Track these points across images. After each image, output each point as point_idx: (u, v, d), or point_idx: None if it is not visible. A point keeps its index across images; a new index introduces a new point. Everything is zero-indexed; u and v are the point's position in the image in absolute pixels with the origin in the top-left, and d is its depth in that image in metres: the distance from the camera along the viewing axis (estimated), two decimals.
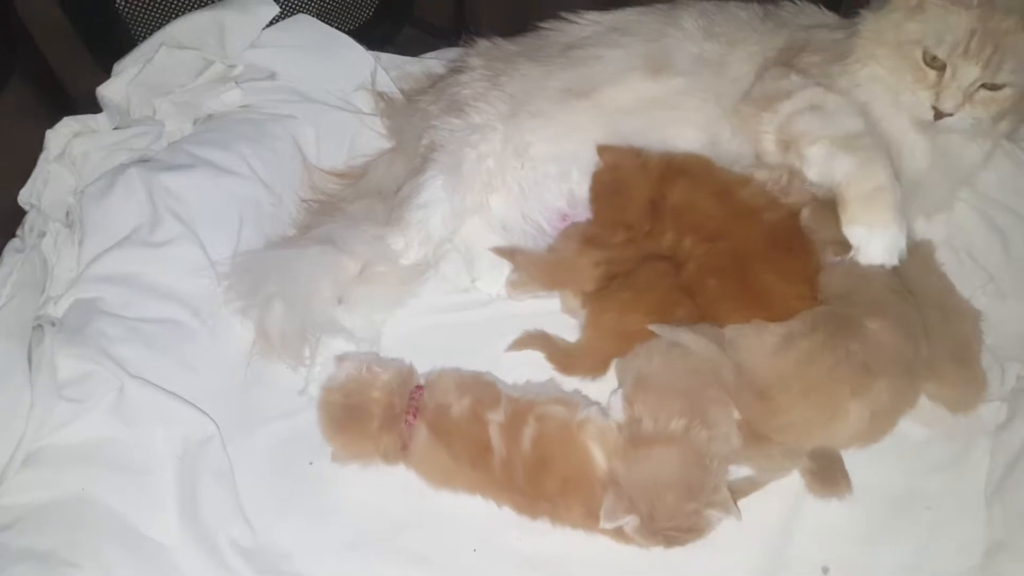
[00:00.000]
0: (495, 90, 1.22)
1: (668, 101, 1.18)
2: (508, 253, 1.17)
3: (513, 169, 1.20)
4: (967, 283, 1.15)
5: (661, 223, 1.13)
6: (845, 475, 0.98)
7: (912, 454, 1.02)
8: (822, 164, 1.06)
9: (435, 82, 1.35)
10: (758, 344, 0.97)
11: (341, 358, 1.03)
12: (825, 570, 0.95)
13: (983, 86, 1.02)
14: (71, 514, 0.94)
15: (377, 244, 1.14)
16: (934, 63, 1.03)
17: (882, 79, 1.09)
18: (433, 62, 1.45)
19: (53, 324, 1.07)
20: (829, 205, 1.07)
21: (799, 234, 1.08)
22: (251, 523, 0.98)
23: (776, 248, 1.07)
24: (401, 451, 0.99)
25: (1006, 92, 1.03)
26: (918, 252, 1.10)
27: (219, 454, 1.02)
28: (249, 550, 0.96)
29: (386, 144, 1.36)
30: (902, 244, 1.02)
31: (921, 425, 1.04)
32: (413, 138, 1.26)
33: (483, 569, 0.96)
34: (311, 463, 1.04)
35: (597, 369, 1.08)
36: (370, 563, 0.96)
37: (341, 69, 1.40)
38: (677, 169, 1.14)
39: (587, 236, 1.15)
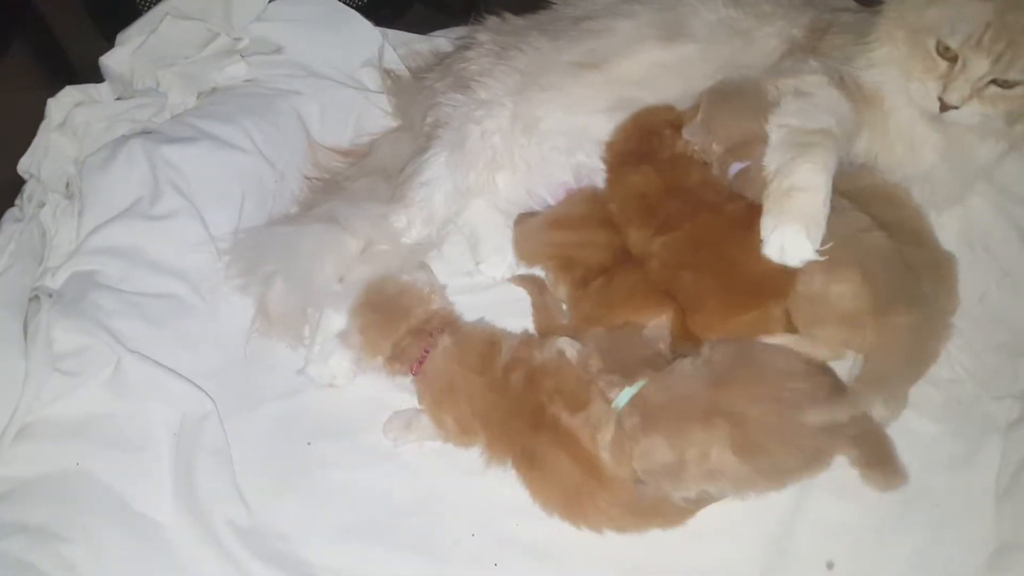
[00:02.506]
0: (503, 64, 1.19)
1: (679, 69, 1.15)
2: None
3: (521, 147, 1.17)
4: (982, 278, 1.13)
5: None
6: (897, 464, 0.96)
7: (921, 450, 1.00)
8: (772, 149, 1.02)
9: (442, 59, 1.33)
10: None
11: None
12: (830, 565, 0.94)
13: (994, 82, 0.99)
14: (64, 488, 0.93)
15: (380, 222, 1.12)
16: (947, 54, 1.00)
17: (897, 62, 1.06)
18: (441, 40, 1.43)
19: (50, 295, 1.06)
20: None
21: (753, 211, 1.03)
22: (247, 503, 0.97)
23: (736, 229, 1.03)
24: (413, 366, 1.01)
25: (1018, 91, 0.99)
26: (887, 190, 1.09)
27: (216, 432, 1.00)
28: (245, 530, 0.95)
29: (392, 123, 1.34)
30: (805, 251, 0.95)
31: (931, 421, 1.03)
32: (419, 116, 1.23)
33: (482, 554, 0.95)
34: (309, 443, 1.03)
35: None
36: (367, 546, 0.95)
37: (348, 45, 1.38)
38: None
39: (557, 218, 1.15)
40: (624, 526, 0.94)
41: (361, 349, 1.03)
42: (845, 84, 1.08)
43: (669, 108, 1.14)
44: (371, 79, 1.37)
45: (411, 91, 1.32)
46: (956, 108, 1.01)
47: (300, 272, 1.09)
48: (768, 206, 0.98)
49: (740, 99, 1.08)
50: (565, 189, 1.20)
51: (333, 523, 0.97)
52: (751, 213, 1.00)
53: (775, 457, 0.90)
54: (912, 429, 1.01)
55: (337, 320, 1.08)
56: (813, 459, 0.92)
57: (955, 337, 1.07)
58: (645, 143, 1.11)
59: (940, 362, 1.05)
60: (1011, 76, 0.98)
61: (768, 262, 0.97)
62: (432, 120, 1.20)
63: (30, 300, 1.05)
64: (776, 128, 1.03)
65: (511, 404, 0.97)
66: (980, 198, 1.22)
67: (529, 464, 0.95)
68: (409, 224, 1.13)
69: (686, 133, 1.09)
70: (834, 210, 0.98)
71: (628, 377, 0.96)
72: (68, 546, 0.90)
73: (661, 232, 1.06)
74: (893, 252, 0.99)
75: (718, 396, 0.91)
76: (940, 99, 1.01)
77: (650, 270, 1.06)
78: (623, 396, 0.95)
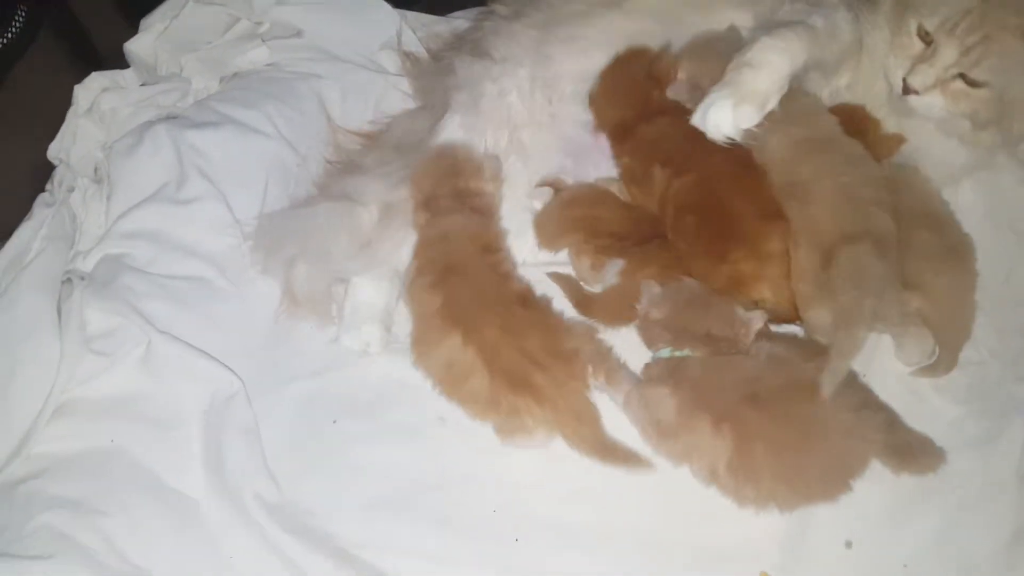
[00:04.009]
0: (517, 24, 1.18)
1: (703, 1, 1.13)
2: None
3: (541, 102, 1.16)
4: (1008, 258, 1.12)
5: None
6: (928, 449, 0.95)
7: (943, 431, 0.99)
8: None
9: (461, 36, 1.33)
10: None
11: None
12: (848, 544, 0.94)
13: (962, 77, 0.96)
14: (100, 464, 0.96)
15: (394, 186, 1.12)
16: (924, 36, 0.98)
17: (885, 31, 1.03)
18: (460, 21, 1.43)
19: (82, 278, 1.09)
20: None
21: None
22: (276, 479, 0.99)
23: (738, 168, 1.02)
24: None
25: (983, 93, 0.96)
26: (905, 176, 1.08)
27: (245, 410, 1.02)
28: (273, 505, 0.97)
29: (412, 105, 1.33)
30: (725, 124, 0.93)
31: (954, 403, 1.02)
32: (439, 96, 1.22)
33: (502, 531, 0.96)
34: (335, 421, 1.04)
35: (615, 316, 1.06)
36: (391, 521, 0.97)
37: (367, 27, 1.38)
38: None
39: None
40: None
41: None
42: (859, 18, 1.05)
43: (643, 53, 1.12)
44: (390, 61, 1.37)
45: (431, 72, 1.32)
46: (917, 94, 0.98)
47: (318, 251, 1.09)
48: (722, 78, 0.97)
49: (724, 45, 1.05)
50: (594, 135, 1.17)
51: (358, 498, 0.99)
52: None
53: (764, 489, 0.90)
54: (935, 410, 1.01)
55: (365, 287, 1.09)
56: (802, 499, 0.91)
57: (979, 318, 1.06)
58: (636, 99, 1.10)
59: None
60: (976, 74, 0.95)
61: (767, 201, 0.97)
62: (447, 85, 1.19)
63: (63, 283, 1.08)
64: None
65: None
66: (1008, 176, 1.19)
67: None
68: None
69: (671, 93, 1.07)
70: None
71: (679, 341, 0.96)
72: (105, 519, 0.92)
73: (678, 175, 1.04)
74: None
75: (743, 411, 0.90)
76: (904, 79, 0.98)
77: (666, 218, 1.05)
78: (662, 353, 0.96)
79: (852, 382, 0.96)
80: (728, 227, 1.01)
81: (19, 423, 0.96)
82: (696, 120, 0.96)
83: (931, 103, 0.99)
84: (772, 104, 0.95)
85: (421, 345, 1.01)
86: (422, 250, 1.06)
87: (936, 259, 1.02)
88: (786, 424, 0.89)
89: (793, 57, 0.96)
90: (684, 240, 1.05)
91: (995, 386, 1.04)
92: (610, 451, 0.95)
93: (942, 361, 1.02)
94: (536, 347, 0.96)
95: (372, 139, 1.29)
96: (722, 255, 1.01)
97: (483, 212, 1.08)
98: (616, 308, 1.06)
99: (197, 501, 0.96)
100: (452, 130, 1.13)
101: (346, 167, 1.24)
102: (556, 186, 1.17)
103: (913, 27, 0.98)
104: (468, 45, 1.23)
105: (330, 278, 1.10)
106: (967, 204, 1.15)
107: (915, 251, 1.02)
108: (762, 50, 0.96)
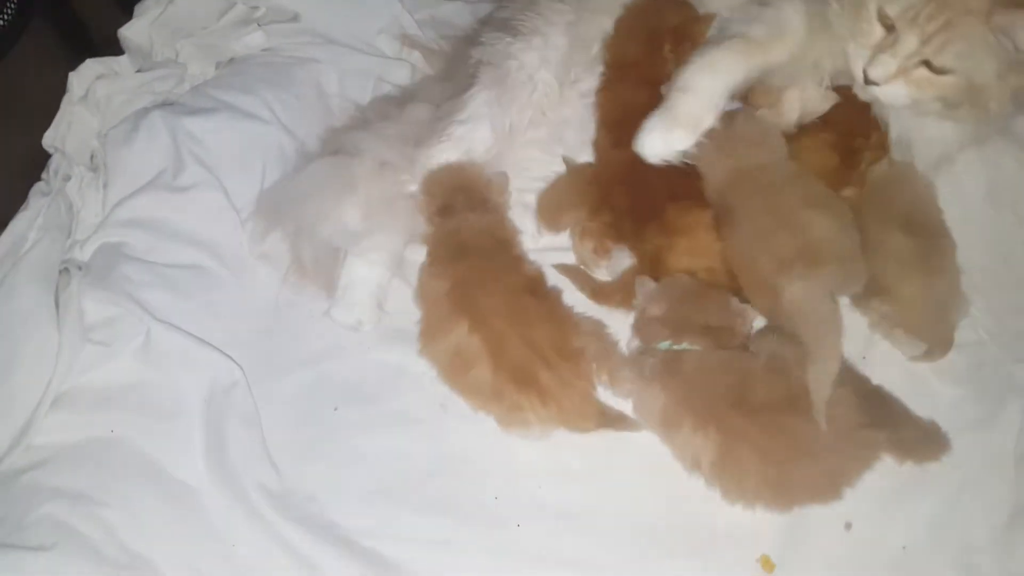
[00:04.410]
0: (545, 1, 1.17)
1: None
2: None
3: (572, 81, 1.17)
4: (1007, 239, 1.12)
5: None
6: (936, 438, 0.96)
7: (942, 412, 1.00)
8: None
9: (489, 13, 1.31)
10: None
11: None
12: (848, 526, 0.95)
13: (925, 64, 0.93)
14: (100, 455, 0.96)
15: (393, 141, 1.12)
16: (885, 21, 0.94)
17: (842, 14, 1.00)
18: (458, 4, 1.41)
19: (79, 268, 1.08)
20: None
21: None
22: (277, 467, 1.00)
23: None
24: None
25: (949, 80, 0.93)
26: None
27: (245, 399, 1.03)
28: (275, 493, 0.98)
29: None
30: (657, 148, 0.99)
31: (953, 384, 1.03)
32: (463, 69, 1.20)
33: (504, 517, 0.97)
34: (336, 409, 1.04)
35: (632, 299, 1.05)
36: (393, 508, 0.97)
37: (364, 11, 1.37)
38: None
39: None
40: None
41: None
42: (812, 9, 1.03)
43: (685, 6, 1.13)
44: (388, 45, 1.36)
45: (452, 53, 1.30)
46: (877, 85, 0.96)
47: (316, 210, 1.09)
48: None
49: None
50: None
51: (359, 486, 0.99)
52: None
53: (746, 486, 0.91)
54: (934, 392, 1.02)
55: (361, 265, 1.09)
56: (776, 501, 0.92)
57: (978, 300, 1.06)
58: (647, 44, 1.12)
59: (963, 325, 1.05)
60: (940, 61, 0.92)
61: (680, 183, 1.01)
62: (475, 59, 1.18)
63: (60, 273, 1.07)
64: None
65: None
66: (1009, 159, 1.19)
67: None
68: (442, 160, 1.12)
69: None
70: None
71: (677, 335, 0.97)
72: (106, 510, 0.92)
73: (615, 146, 1.07)
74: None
75: (730, 415, 0.90)
76: (864, 70, 0.96)
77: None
78: (661, 345, 0.97)
79: (856, 380, 0.97)
80: (647, 208, 1.04)
81: (19, 414, 0.96)
82: (635, 145, 1.01)
83: (895, 92, 0.96)
84: (707, 123, 1.00)
85: (428, 333, 1.01)
86: (434, 241, 1.07)
87: (907, 264, 1.01)
88: (775, 434, 0.89)
89: (726, 76, 1.00)
90: (615, 214, 1.06)
91: (994, 368, 1.05)
92: (606, 419, 0.97)
93: (932, 351, 1.02)
94: (544, 341, 0.96)
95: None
96: (641, 236, 1.04)
97: (496, 212, 1.09)
98: (626, 295, 1.05)
99: (198, 490, 0.96)
100: (478, 106, 1.13)
101: (348, 126, 1.23)
102: (566, 163, 1.17)
103: (873, 11, 0.95)
104: (495, 22, 1.22)
105: (330, 236, 1.09)
106: (967, 186, 1.15)
107: (887, 254, 1.01)
108: (693, 74, 1.00)
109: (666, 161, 1.00)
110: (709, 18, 1.12)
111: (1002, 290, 1.09)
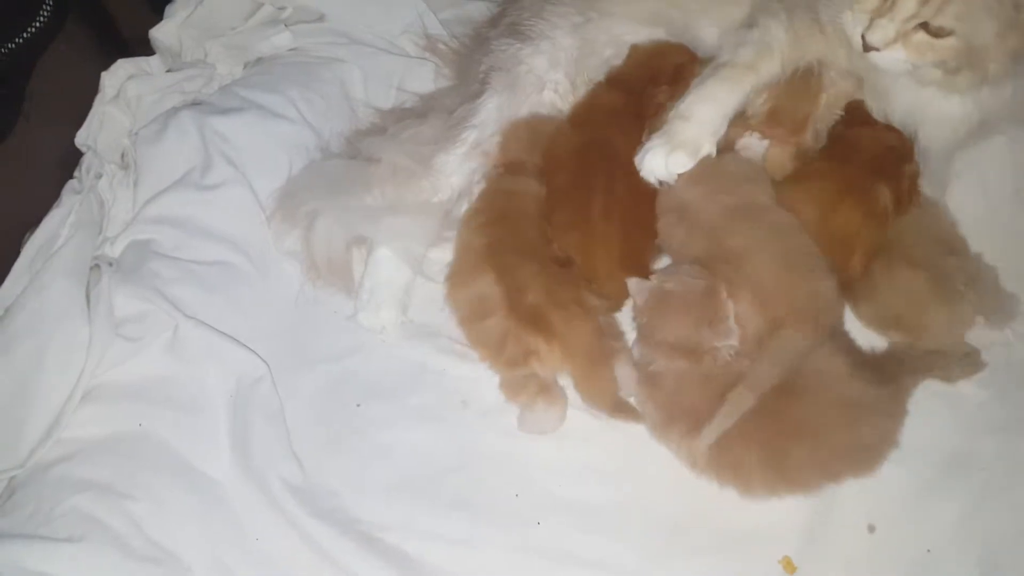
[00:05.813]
0: (553, 5, 1.18)
1: None
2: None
3: (577, 85, 1.18)
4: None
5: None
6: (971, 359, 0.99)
7: (968, 415, 0.99)
8: None
9: (497, 16, 1.32)
10: None
11: None
12: (871, 529, 0.94)
13: (923, 27, 0.91)
14: (128, 448, 0.98)
15: (411, 148, 1.14)
16: None
17: None
18: (481, 3, 1.41)
19: (110, 264, 1.10)
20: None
21: None
22: (300, 462, 1.00)
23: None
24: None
25: (949, 42, 0.91)
26: None
27: (270, 394, 1.04)
28: (298, 488, 0.99)
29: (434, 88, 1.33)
30: (658, 169, 1.03)
31: (979, 386, 1.01)
32: (475, 75, 1.21)
33: (524, 514, 0.97)
34: (359, 405, 1.05)
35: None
36: (414, 504, 0.98)
37: (389, 10, 1.38)
38: None
39: None
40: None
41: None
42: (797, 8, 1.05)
43: (684, 51, 1.15)
44: (412, 45, 1.37)
45: (465, 54, 1.31)
46: (878, 50, 0.95)
47: (334, 199, 1.10)
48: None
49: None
50: None
51: (382, 481, 1.00)
52: None
53: (746, 473, 0.91)
54: (959, 393, 1.01)
55: (385, 265, 1.10)
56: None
57: None
58: (647, 74, 1.14)
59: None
60: (940, 22, 0.90)
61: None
62: (486, 66, 1.19)
63: (91, 269, 1.09)
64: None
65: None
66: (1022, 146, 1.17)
67: None
68: (458, 166, 1.14)
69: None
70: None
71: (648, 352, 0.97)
72: (133, 503, 0.94)
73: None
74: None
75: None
76: (863, 37, 0.95)
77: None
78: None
79: (853, 352, 0.98)
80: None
81: (49, 407, 0.98)
82: (636, 161, 1.04)
83: (894, 58, 0.95)
84: (706, 149, 1.04)
85: (456, 279, 1.04)
86: (485, 195, 1.10)
87: (915, 298, 1.01)
88: (765, 418, 0.89)
89: (722, 104, 1.04)
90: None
91: (1020, 368, 1.03)
92: (620, 407, 0.97)
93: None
94: (563, 294, 0.97)
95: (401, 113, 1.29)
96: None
97: None
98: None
99: (222, 484, 0.97)
100: (489, 112, 1.14)
101: (369, 131, 1.25)
102: None
103: None
104: (503, 26, 1.23)
105: (346, 237, 1.10)
106: (992, 182, 1.13)
107: (896, 289, 1.02)
108: (691, 104, 1.04)
109: (661, 183, 1.04)
110: (705, 61, 1.13)
111: None
